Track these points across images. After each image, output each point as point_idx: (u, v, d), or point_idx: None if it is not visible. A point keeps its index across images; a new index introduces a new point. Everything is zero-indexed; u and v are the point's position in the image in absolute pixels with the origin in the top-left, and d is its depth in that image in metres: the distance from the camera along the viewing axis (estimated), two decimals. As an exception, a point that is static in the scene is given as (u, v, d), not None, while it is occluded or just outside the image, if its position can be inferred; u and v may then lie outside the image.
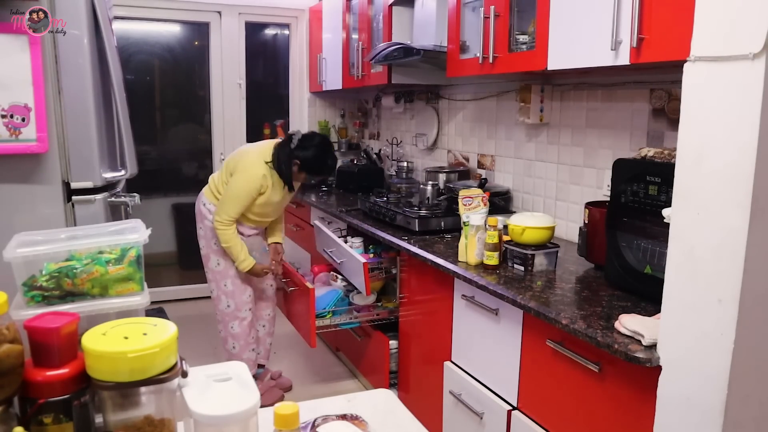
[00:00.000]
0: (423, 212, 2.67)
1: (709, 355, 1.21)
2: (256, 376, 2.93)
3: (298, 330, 3.05)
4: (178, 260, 4.70)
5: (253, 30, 4.60)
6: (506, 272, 2.02)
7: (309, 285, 2.77)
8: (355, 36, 3.69)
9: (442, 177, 3.10)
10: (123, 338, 0.80)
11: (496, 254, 2.06)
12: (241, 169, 2.67)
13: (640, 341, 1.39)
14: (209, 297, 4.75)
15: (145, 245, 1.14)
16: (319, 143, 2.76)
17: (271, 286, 3.07)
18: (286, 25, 4.68)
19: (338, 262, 2.91)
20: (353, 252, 2.73)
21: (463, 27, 2.59)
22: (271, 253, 2.97)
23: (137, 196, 2.25)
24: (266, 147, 2.76)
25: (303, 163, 2.71)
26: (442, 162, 3.54)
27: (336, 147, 4.29)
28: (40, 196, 1.94)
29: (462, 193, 2.27)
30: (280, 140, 2.80)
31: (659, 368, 1.32)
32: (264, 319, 3.06)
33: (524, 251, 2.03)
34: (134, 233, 1.16)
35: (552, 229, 2.08)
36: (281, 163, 2.70)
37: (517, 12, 2.28)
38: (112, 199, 2.14)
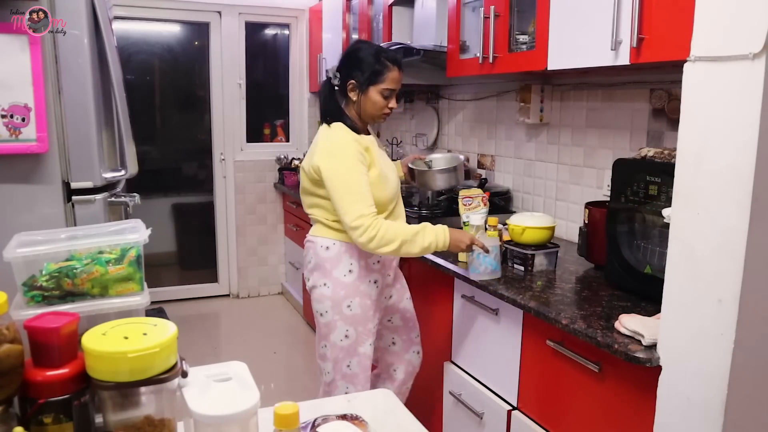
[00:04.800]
0: (423, 212, 2.67)
1: (709, 355, 1.21)
2: None
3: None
4: (178, 260, 4.71)
5: (253, 30, 4.61)
6: (506, 272, 2.02)
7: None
8: (355, 36, 3.69)
9: (442, 177, 3.10)
10: (123, 338, 0.80)
11: (496, 254, 2.06)
12: (326, 153, 1.91)
13: (640, 341, 1.39)
14: (209, 297, 4.80)
15: (145, 245, 1.14)
16: (355, 44, 2.09)
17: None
18: (286, 25, 4.68)
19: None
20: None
21: (463, 27, 2.59)
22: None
23: (137, 196, 2.25)
24: (327, 128, 2.00)
25: (360, 72, 1.95)
26: (442, 162, 3.53)
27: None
28: (40, 196, 1.94)
29: (462, 193, 2.27)
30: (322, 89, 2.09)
31: (659, 368, 1.32)
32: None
33: (524, 251, 2.03)
34: (134, 233, 1.16)
35: (552, 229, 2.08)
36: (335, 103, 2.02)
37: (517, 12, 2.28)
38: (112, 199, 2.13)
